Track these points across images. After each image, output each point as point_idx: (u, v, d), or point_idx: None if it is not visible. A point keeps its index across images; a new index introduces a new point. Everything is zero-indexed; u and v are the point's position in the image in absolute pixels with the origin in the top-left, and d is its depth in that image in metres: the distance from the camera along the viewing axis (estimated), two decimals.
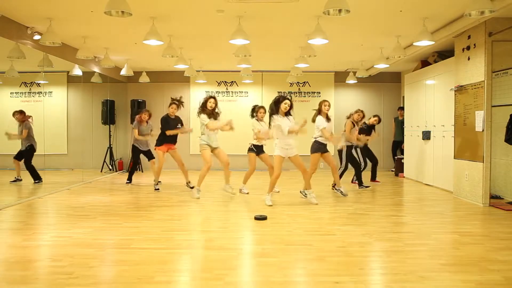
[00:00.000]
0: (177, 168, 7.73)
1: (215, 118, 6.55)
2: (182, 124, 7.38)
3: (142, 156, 8.28)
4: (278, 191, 7.07)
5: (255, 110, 6.99)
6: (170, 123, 7.19)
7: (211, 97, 6.57)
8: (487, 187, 6.02)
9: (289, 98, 6.03)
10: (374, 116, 8.17)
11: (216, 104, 6.54)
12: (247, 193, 6.95)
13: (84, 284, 2.99)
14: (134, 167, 8.39)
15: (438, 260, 3.54)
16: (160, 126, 7.24)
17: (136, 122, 8.03)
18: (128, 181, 8.27)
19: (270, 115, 5.99)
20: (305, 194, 6.43)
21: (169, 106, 7.25)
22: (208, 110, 6.47)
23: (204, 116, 6.45)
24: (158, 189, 7.39)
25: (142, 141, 8.00)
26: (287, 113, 5.98)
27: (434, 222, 5.08)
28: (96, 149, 10.25)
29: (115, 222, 4.95)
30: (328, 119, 6.51)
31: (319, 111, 6.52)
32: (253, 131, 6.85)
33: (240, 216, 5.50)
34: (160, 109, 10.32)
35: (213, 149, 6.57)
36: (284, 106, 5.89)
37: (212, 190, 7.31)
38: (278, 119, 5.88)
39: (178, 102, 7.27)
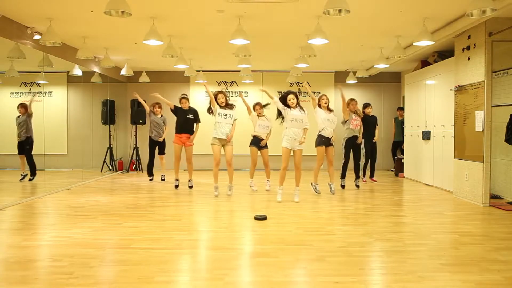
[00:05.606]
0: (180, 169, 7.72)
1: (230, 109, 6.74)
2: (195, 115, 7.47)
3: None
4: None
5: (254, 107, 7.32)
6: (180, 111, 7.40)
7: (218, 92, 6.76)
8: (487, 187, 6.02)
9: (293, 92, 6.31)
10: (367, 106, 8.18)
11: (225, 99, 6.70)
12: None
13: (84, 284, 2.99)
14: (151, 162, 8.65)
15: (438, 260, 3.54)
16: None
17: (149, 111, 8.63)
18: (150, 178, 8.66)
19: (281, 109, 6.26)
20: (315, 186, 6.84)
21: (180, 102, 7.45)
22: (219, 103, 6.66)
23: (215, 107, 6.64)
24: (177, 186, 7.61)
25: (156, 129, 8.48)
26: (300, 107, 6.24)
27: (434, 222, 5.08)
28: (96, 149, 10.24)
29: (115, 222, 4.95)
30: (329, 110, 6.79)
31: (318, 105, 6.77)
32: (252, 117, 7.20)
33: (240, 216, 5.50)
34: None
35: (222, 144, 6.66)
36: (289, 102, 6.17)
37: (212, 190, 7.30)
38: (286, 109, 6.17)
39: (186, 96, 7.56)
